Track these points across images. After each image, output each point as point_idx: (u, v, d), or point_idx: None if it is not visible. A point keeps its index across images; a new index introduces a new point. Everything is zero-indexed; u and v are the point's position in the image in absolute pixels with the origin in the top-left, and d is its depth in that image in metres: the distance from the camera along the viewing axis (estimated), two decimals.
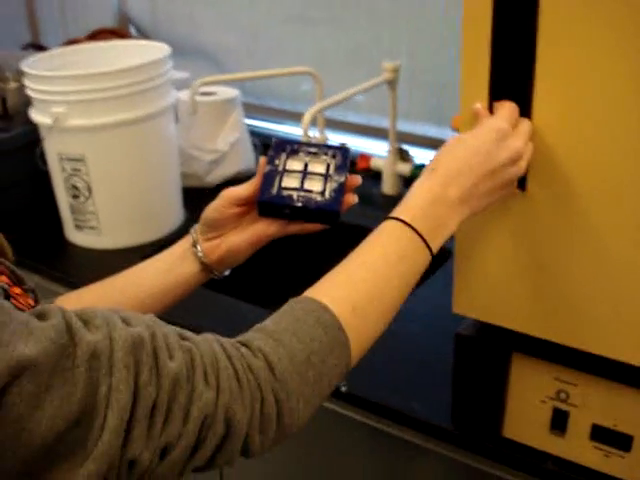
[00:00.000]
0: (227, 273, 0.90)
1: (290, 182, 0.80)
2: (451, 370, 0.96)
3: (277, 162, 0.81)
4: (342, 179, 0.80)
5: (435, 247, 0.72)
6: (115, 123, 1.38)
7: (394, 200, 1.63)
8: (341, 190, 0.80)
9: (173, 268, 0.87)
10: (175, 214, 1.59)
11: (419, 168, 1.62)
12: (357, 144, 1.81)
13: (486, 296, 0.85)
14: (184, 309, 1.27)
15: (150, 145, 1.47)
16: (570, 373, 0.85)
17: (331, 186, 0.80)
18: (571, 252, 0.77)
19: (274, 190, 0.79)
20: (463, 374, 0.93)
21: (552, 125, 0.74)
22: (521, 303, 0.83)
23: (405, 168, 1.63)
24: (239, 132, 1.73)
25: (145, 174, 1.47)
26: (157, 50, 1.48)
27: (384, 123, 1.68)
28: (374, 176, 1.70)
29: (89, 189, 1.41)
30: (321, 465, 1.24)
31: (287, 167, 0.81)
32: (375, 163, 1.68)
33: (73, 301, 0.84)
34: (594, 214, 0.74)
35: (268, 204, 0.80)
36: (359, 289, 0.69)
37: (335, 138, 1.76)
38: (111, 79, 1.35)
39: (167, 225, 1.55)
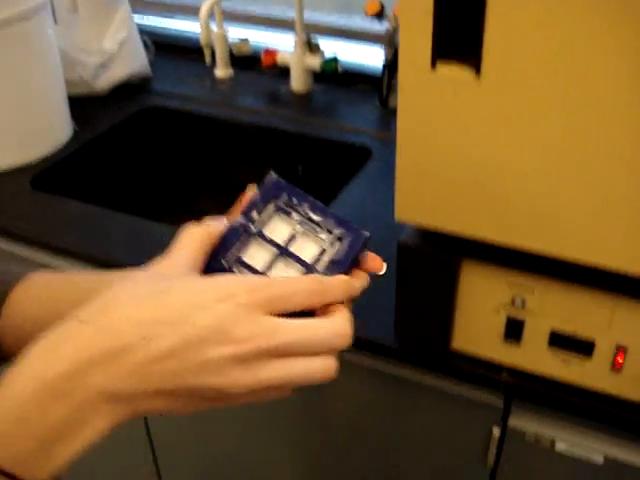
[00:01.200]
0: None
1: (255, 257, 0.52)
2: (388, 282, 0.86)
3: (255, 216, 0.53)
4: None
5: (44, 474, 0.41)
6: None
7: (304, 98, 1.51)
8: None
9: None
10: (62, 127, 1.41)
11: (330, 62, 1.49)
12: (260, 38, 1.66)
13: (433, 199, 0.74)
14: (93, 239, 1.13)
15: (25, 51, 1.28)
16: (526, 278, 0.77)
17: None
18: (529, 147, 0.67)
19: (227, 261, 0.52)
20: (407, 286, 0.84)
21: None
22: (472, 205, 0.73)
23: (315, 62, 1.50)
24: (127, 30, 1.54)
25: (23, 84, 1.29)
26: None
27: (289, 13, 1.53)
28: (281, 73, 1.56)
29: None
30: None
31: (264, 230, 0.53)
32: (282, 58, 1.53)
33: (41, 283, 0.67)
34: (556, 105, 0.64)
35: None
36: None
37: (236, 33, 1.60)
38: None
39: (54, 140, 1.38)
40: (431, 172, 0.73)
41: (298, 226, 0.53)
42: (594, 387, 0.82)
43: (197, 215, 1.57)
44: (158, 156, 1.58)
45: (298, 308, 0.45)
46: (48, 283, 0.68)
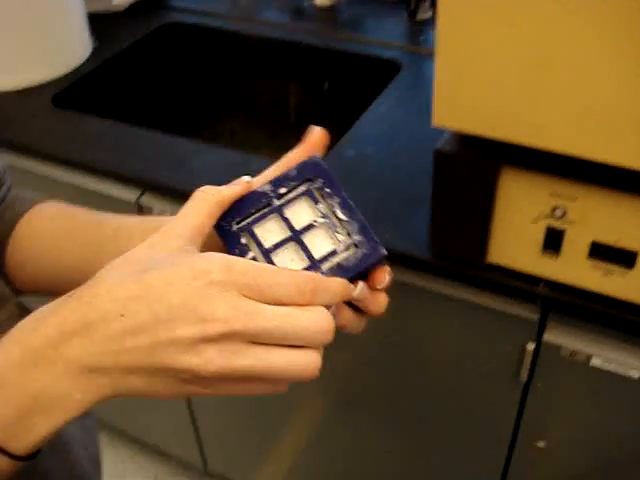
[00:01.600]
0: None
1: (266, 233, 0.49)
2: (421, 194, 0.84)
3: (282, 191, 0.50)
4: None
5: (24, 445, 0.41)
6: None
7: (329, 11, 1.46)
8: None
9: None
10: (82, 44, 1.38)
11: None
12: None
13: (472, 102, 0.71)
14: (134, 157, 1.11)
15: None
16: (569, 186, 0.74)
17: None
18: (577, 42, 0.63)
19: (238, 225, 0.49)
20: (444, 196, 0.81)
21: None
22: (514, 108, 0.70)
23: None
24: None
25: (41, 1, 1.25)
26: None
27: None
28: None
29: None
30: None
31: (286, 210, 0.49)
32: None
33: (46, 223, 0.64)
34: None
35: (220, 236, 0.49)
36: None
37: None
38: None
39: (74, 57, 1.36)
40: (472, 73, 0.69)
41: (320, 218, 0.49)
42: (634, 300, 0.79)
43: (221, 134, 1.53)
44: (180, 73, 1.54)
45: (284, 302, 0.42)
46: (52, 225, 0.65)
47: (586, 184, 0.73)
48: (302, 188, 0.50)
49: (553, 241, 0.79)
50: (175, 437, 1.59)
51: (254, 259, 0.47)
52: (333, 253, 0.48)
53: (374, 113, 1.15)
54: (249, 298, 0.41)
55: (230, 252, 0.47)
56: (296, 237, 0.48)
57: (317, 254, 0.48)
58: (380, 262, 0.48)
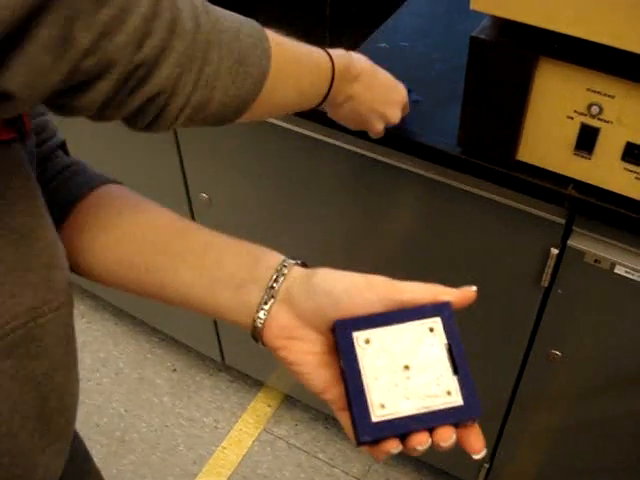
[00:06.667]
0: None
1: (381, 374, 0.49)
2: (454, 91, 0.82)
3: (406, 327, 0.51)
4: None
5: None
6: None
7: None
8: None
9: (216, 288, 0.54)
10: None
11: None
12: None
13: None
14: None
15: None
16: (607, 82, 0.71)
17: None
18: None
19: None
20: (477, 86, 0.78)
21: None
22: None
23: None
24: None
25: None
26: None
27: None
28: None
29: None
30: (312, 205, 1.13)
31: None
32: None
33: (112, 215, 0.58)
34: None
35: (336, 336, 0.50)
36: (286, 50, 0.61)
37: None
38: None
39: None
40: None
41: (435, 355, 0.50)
42: None
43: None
44: None
45: None
46: (120, 220, 0.58)
47: (625, 81, 0.70)
48: (428, 321, 0.52)
49: (586, 140, 0.76)
50: (194, 330, 1.62)
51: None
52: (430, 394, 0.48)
53: (411, 7, 1.11)
54: None
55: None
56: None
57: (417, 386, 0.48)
58: (468, 421, 0.47)
